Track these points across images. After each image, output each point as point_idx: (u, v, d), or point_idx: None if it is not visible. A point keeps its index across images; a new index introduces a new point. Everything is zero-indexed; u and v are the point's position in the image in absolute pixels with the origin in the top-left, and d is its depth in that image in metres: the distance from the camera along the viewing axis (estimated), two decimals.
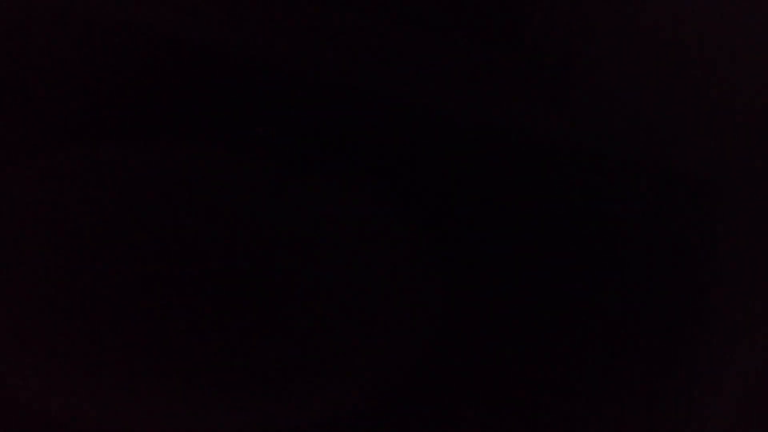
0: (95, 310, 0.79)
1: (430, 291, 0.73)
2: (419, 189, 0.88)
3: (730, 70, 0.73)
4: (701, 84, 0.74)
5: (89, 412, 0.63)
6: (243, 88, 0.97)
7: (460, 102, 0.86)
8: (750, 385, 0.71)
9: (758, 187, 0.72)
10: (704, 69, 0.74)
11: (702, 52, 0.73)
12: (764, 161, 0.72)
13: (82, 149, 0.90)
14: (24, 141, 1.01)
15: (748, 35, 0.73)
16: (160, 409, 0.65)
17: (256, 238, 0.85)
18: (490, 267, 0.79)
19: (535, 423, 0.67)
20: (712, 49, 0.73)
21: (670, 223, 0.76)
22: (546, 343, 0.72)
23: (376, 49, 0.89)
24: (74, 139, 0.97)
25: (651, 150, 0.77)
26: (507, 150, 0.83)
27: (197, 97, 1.00)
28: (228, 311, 0.79)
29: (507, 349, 0.69)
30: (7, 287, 0.77)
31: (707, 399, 0.71)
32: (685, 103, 0.74)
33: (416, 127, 0.89)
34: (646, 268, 0.77)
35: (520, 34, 0.79)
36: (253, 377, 0.70)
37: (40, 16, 1.06)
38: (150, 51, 1.04)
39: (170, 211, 0.87)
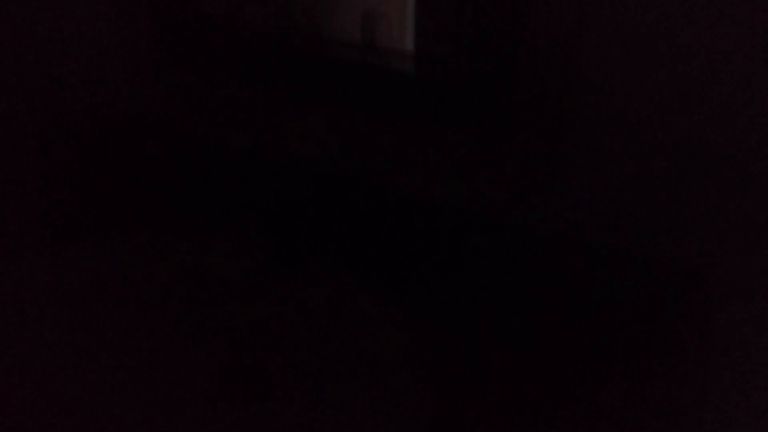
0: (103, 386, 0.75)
1: (427, 390, 0.74)
2: (415, 278, 0.89)
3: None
4: (692, 172, 0.76)
5: None
6: (245, 183, 0.97)
7: (456, 196, 0.87)
8: None
9: (751, 278, 0.75)
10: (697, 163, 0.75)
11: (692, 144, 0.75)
12: (758, 253, 0.74)
13: (101, 241, 0.90)
14: (57, 230, 0.99)
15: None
16: None
17: (259, 327, 0.86)
18: (486, 362, 0.80)
19: None
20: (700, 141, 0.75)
21: (664, 312, 0.78)
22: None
23: (370, 142, 0.89)
24: (100, 231, 0.96)
25: (644, 240, 0.79)
26: (502, 241, 0.84)
27: (197, 193, 1.01)
28: (230, 401, 0.78)
29: None
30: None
31: None
32: (680, 196, 0.77)
33: (410, 219, 0.90)
34: (641, 364, 0.78)
35: (512, 129, 0.80)
36: None
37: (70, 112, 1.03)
38: (154, 145, 1.04)
39: (177, 298, 0.87)
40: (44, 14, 1.11)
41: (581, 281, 0.84)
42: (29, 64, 1.14)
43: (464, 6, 0.82)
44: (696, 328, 0.78)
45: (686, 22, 0.72)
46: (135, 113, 1.11)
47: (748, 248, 0.76)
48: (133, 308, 0.92)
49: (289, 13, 0.99)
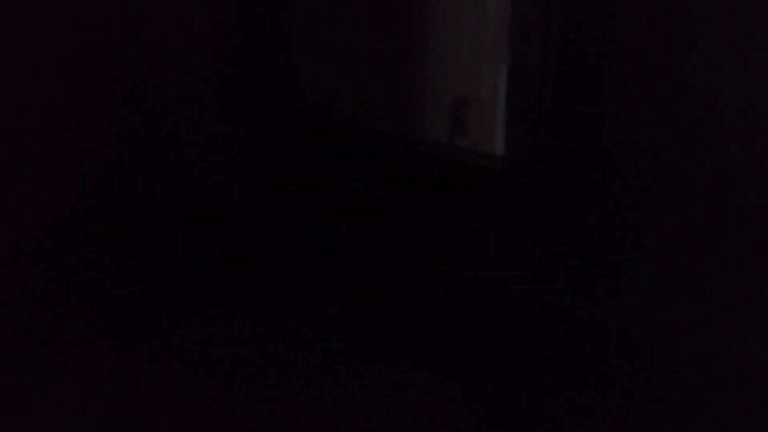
0: None
1: None
2: (475, 364, 0.90)
3: None
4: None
5: None
6: (318, 265, 1.01)
7: (521, 283, 0.88)
8: None
9: None
10: None
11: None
12: None
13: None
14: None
15: None
16: None
17: (322, 403, 0.88)
18: None
19: None
20: None
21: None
22: None
23: (450, 235, 0.92)
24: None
25: (717, 341, 0.78)
26: (563, 330, 0.85)
27: (275, 271, 1.05)
28: None
29: None
30: None
31: None
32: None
33: (476, 306, 0.91)
34: None
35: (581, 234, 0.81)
36: None
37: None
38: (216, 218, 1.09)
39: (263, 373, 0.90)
40: (157, 105, 1.17)
41: (646, 373, 0.85)
42: (143, 150, 1.20)
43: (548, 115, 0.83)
44: None
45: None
46: (229, 198, 1.15)
47: None
48: (215, 382, 0.95)
49: (380, 106, 1.02)
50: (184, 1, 1.07)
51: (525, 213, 0.90)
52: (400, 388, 0.93)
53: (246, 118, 1.08)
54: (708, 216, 0.79)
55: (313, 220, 1.08)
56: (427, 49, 1.02)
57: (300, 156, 1.06)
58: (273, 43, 1.03)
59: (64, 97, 1.09)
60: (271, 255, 1.13)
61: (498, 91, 1.01)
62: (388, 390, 0.93)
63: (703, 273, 0.81)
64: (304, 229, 1.09)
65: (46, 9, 1.02)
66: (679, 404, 0.84)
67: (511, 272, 0.93)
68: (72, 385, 0.90)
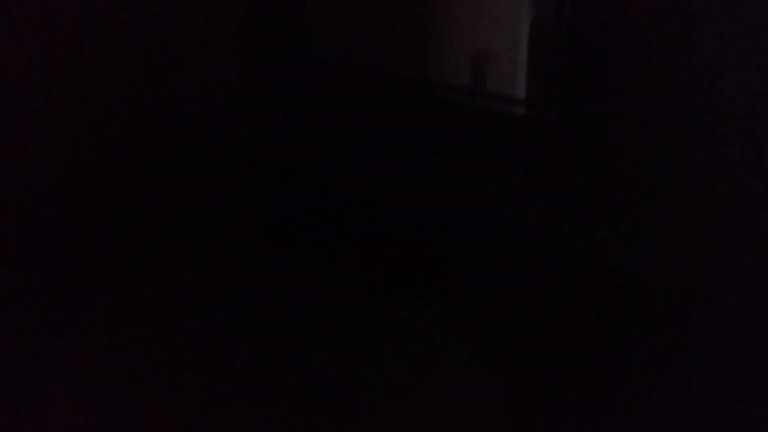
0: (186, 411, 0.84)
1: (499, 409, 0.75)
2: (492, 308, 0.91)
3: None
4: None
5: None
6: (335, 210, 1.03)
7: (536, 227, 0.89)
8: None
9: None
10: None
11: None
12: None
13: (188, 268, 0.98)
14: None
15: None
16: None
17: (338, 347, 0.90)
18: (561, 396, 0.80)
19: None
20: None
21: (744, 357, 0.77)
22: None
23: (467, 178, 0.93)
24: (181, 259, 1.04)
25: (726, 284, 0.78)
26: (579, 274, 0.86)
27: (292, 217, 1.08)
28: (300, 422, 0.82)
29: None
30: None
31: None
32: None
33: (492, 250, 0.92)
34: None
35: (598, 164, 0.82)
36: None
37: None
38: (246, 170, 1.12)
39: (261, 320, 0.92)
40: (169, 59, 1.20)
41: (667, 320, 0.85)
42: (157, 102, 1.23)
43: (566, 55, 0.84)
44: None
45: None
46: (245, 148, 1.18)
47: None
48: (235, 325, 0.97)
49: (398, 56, 1.03)
50: None
51: (542, 157, 0.90)
52: (413, 329, 0.94)
53: (262, 66, 1.10)
54: (725, 159, 0.78)
55: (330, 168, 1.10)
56: (448, 1, 1.04)
57: (316, 104, 1.07)
58: None
59: (78, 51, 1.11)
60: (288, 203, 1.15)
61: (519, 46, 1.02)
62: (402, 329, 0.94)
63: (719, 217, 0.80)
64: (321, 177, 1.10)
65: None
66: (694, 350, 0.84)
67: (525, 216, 0.94)
68: (91, 328, 0.92)
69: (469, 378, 0.86)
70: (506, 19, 1.00)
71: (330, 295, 0.98)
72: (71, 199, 1.12)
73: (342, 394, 0.91)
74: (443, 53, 1.02)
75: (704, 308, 0.83)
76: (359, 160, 1.06)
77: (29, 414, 0.80)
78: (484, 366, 0.87)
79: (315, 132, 1.08)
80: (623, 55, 0.80)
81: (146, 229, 1.18)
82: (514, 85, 1.01)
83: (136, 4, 1.17)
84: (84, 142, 1.14)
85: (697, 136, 0.79)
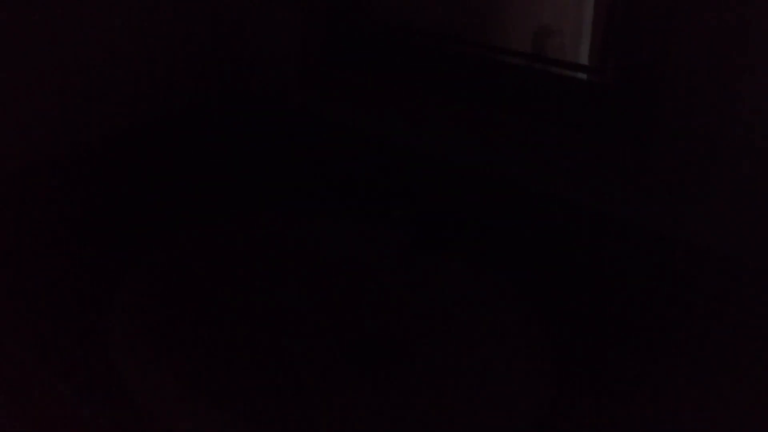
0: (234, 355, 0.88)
1: (545, 376, 0.75)
2: (541, 271, 0.92)
3: None
4: None
5: None
6: (386, 170, 1.05)
7: (586, 192, 0.90)
8: None
9: None
10: None
11: None
12: None
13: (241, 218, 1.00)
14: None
15: None
16: None
17: (385, 306, 0.92)
18: (602, 353, 0.81)
19: None
20: None
21: None
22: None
23: (511, 141, 0.94)
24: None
25: None
26: (633, 245, 0.87)
27: (343, 176, 1.11)
28: (348, 372, 0.85)
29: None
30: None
31: None
32: None
33: (539, 213, 0.93)
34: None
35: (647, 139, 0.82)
36: None
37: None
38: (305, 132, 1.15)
39: (305, 274, 0.95)
40: (234, 17, 1.23)
41: (716, 293, 0.86)
42: (221, 58, 1.26)
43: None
44: None
45: None
46: (304, 108, 1.21)
47: None
48: (288, 277, 1.01)
49: (462, 24, 1.05)
50: None
51: (597, 124, 0.91)
52: (455, 283, 0.95)
53: (326, 28, 1.13)
54: None
55: (386, 132, 1.12)
56: None
57: (376, 68, 1.10)
58: None
59: (145, 5, 1.15)
60: (343, 163, 1.17)
61: (581, 22, 1.03)
62: (444, 283, 0.95)
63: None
64: (376, 139, 1.13)
65: None
66: (743, 322, 0.84)
67: (573, 181, 0.95)
68: (146, 280, 0.95)
69: (512, 334, 0.87)
70: None
71: (377, 251, 1.00)
72: (132, 150, 1.16)
73: (388, 346, 0.92)
74: (506, 24, 1.04)
75: (754, 282, 0.83)
76: (412, 122, 1.08)
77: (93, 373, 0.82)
78: (527, 323, 0.87)
79: (374, 94, 1.10)
80: (683, 24, 0.81)
81: (204, 183, 1.21)
82: (575, 56, 1.02)
83: None
84: (143, 97, 1.18)
85: (755, 109, 0.79)
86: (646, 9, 0.83)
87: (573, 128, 0.92)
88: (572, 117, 0.92)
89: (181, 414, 0.74)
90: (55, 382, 0.80)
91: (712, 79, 0.81)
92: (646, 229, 0.90)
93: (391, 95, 1.08)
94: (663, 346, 0.85)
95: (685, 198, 0.86)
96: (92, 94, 1.10)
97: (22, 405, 0.89)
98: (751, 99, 0.79)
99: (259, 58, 1.26)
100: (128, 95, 1.14)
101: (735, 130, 0.81)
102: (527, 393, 0.78)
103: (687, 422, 0.76)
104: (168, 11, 1.17)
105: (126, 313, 0.88)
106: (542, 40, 1.05)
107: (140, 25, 1.13)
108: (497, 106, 0.98)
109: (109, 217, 1.11)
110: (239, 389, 0.83)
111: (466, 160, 1.04)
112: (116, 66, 1.12)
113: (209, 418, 0.74)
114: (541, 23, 1.06)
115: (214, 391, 0.81)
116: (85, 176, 1.11)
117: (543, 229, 0.98)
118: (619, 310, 0.90)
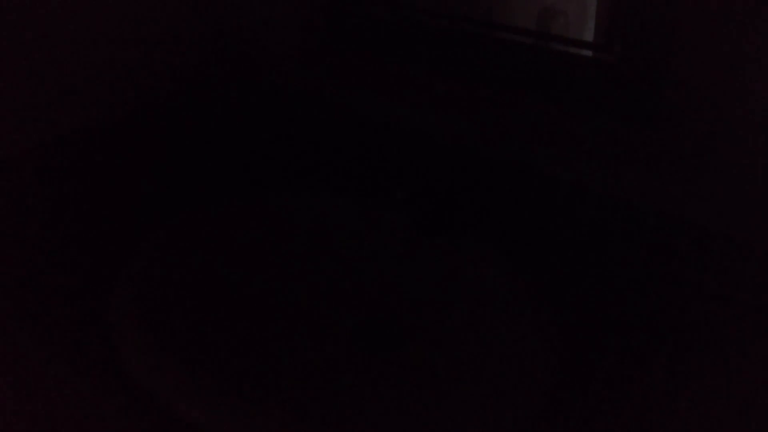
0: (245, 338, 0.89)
1: (551, 347, 0.75)
2: (546, 254, 0.91)
3: None
4: None
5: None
6: (392, 153, 1.05)
7: (591, 171, 0.89)
8: None
9: None
10: None
11: None
12: None
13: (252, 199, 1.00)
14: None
15: None
16: None
17: (390, 289, 0.91)
18: (611, 337, 0.80)
19: None
20: None
21: None
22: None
23: (521, 123, 0.93)
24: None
25: None
26: (641, 227, 0.85)
27: (347, 159, 1.10)
28: (353, 354, 0.83)
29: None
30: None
31: None
32: None
33: (544, 195, 0.92)
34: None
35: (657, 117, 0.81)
36: (381, 424, 0.72)
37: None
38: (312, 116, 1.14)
39: (313, 258, 0.94)
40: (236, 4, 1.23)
41: (723, 274, 0.85)
42: (222, 41, 1.25)
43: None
44: None
45: None
46: (306, 89, 1.20)
47: None
48: (291, 257, 1.01)
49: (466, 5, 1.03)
50: None
51: (602, 102, 0.90)
52: (460, 265, 0.94)
53: (328, 8, 1.12)
54: None
55: (389, 113, 1.11)
56: None
57: (379, 48, 1.09)
58: None
59: None
60: (346, 146, 1.17)
61: (586, 3, 1.01)
62: (448, 265, 0.95)
63: None
64: (379, 121, 1.12)
65: None
66: (751, 302, 0.83)
67: (579, 159, 0.94)
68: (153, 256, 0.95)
69: (517, 315, 0.86)
70: None
71: (382, 233, 0.99)
72: (133, 134, 1.16)
73: (393, 329, 0.92)
74: (512, 5, 1.03)
75: (760, 263, 0.82)
76: (416, 103, 1.07)
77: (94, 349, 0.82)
78: (532, 304, 0.87)
79: (376, 75, 1.09)
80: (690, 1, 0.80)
81: (207, 167, 1.21)
82: (579, 37, 1.00)
83: None
84: (144, 81, 1.17)
85: (764, 87, 0.78)
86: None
87: (578, 106, 0.91)
88: (578, 95, 0.91)
89: (182, 397, 0.74)
90: (57, 366, 0.80)
91: (719, 55, 0.79)
92: (651, 207, 0.89)
93: (394, 76, 1.07)
94: (669, 328, 0.85)
95: (691, 176, 0.85)
96: (94, 78, 1.09)
97: (23, 390, 0.88)
98: (759, 76, 0.77)
99: (260, 40, 1.25)
100: (129, 79, 1.14)
101: (742, 108, 0.80)
102: (533, 375, 0.77)
103: (695, 402, 0.75)
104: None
105: (127, 295, 0.87)
106: (547, 21, 1.04)
107: (140, 8, 1.12)
108: (502, 86, 0.97)
109: (112, 201, 1.10)
110: (241, 372, 0.83)
111: (471, 140, 1.03)
112: (117, 48, 1.11)
113: (212, 401, 0.73)
114: (546, 4, 1.05)
115: (216, 374, 0.81)
116: (89, 161, 1.10)
117: (547, 208, 0.97)
118: (624, 289, 0.90)
